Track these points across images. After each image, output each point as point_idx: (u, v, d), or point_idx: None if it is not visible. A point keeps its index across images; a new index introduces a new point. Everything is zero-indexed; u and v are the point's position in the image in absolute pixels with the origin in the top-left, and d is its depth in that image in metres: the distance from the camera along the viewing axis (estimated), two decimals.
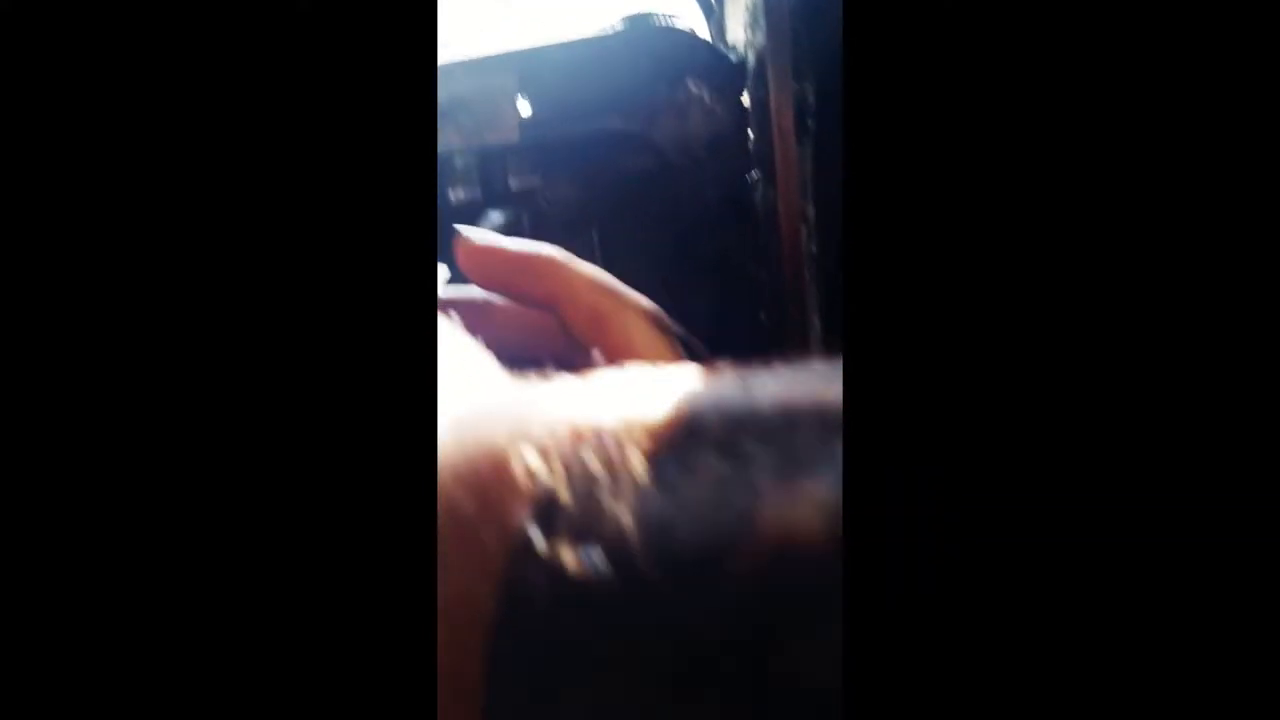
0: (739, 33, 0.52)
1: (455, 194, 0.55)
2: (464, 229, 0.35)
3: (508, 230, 0.49)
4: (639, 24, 0.49)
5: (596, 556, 0.17)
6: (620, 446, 0.18)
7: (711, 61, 0.46)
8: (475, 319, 0.31)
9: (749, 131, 0.39)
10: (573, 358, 0.33)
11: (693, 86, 0.45)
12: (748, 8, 0.44)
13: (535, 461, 0.19)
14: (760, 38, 0.35)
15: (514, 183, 0.53)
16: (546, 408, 0.21)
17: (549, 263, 0.34)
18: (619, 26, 0.50)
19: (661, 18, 0.49)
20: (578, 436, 0.19)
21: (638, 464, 0.18)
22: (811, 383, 0.20)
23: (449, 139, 0.50)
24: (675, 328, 0.33)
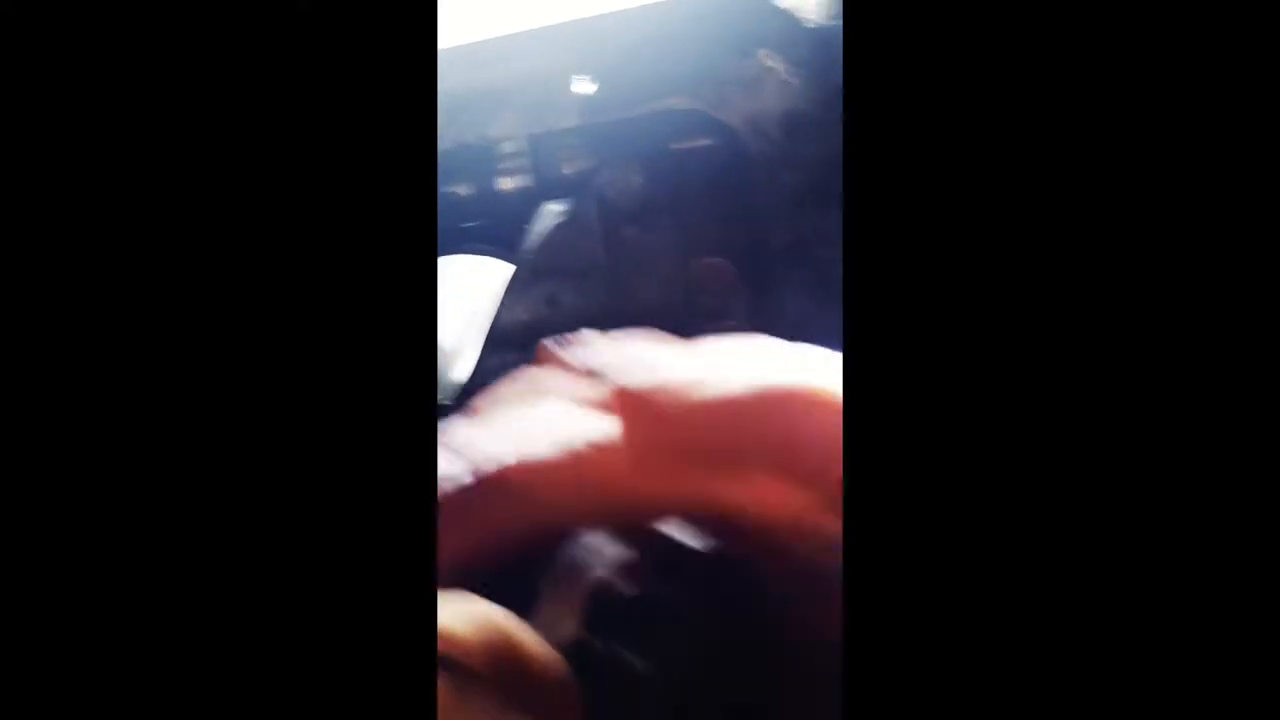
0: None
1: (504, 183, 0.52)
2: None
3: (569, 217, 0.46)
4: None
5: None
6: None
7: (787, 30, 0.42)
8: None
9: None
10: None
11: (766, 59, 0.42)
12: None
13: None
14: None
15: (568, 169, 0.50)
16: None
17: None
18: None
19: None
20: None
21: None
22: None
23: (504, 124, 0.47)
24: None
